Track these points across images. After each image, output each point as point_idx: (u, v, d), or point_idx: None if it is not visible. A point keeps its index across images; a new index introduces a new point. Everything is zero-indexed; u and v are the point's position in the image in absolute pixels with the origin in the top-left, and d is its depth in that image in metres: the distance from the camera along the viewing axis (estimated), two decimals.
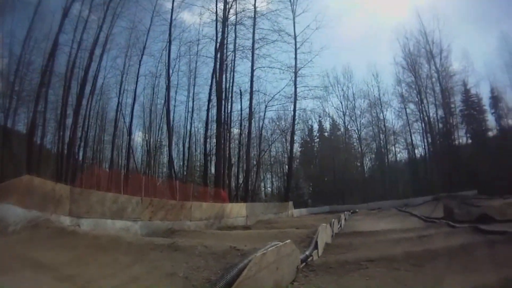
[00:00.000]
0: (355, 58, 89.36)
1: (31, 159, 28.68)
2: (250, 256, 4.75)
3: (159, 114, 46.11)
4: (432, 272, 5.99)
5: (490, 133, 51.50)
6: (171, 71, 42.07)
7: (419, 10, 53.92)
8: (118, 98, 40.56)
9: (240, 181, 42.74)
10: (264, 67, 43.86)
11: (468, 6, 66.16)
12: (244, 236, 12.63)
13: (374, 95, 59.03)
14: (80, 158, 36.11)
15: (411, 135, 55.78)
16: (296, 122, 47.63)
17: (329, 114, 61.62)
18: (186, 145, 48.62)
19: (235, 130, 44.98)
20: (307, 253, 7.37)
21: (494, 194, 29.48)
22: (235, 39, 42.01)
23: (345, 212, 28.55)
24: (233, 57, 42.32)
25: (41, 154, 31.66)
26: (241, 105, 43.91)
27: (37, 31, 32.00)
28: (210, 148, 41.00)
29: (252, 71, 41.66)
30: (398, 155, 60.10)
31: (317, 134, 64.87)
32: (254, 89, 42.32)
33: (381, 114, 58.67)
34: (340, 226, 17.62)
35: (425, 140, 53.92)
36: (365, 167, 62.15)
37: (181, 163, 48.06)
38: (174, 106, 45.67)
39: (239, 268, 4.37)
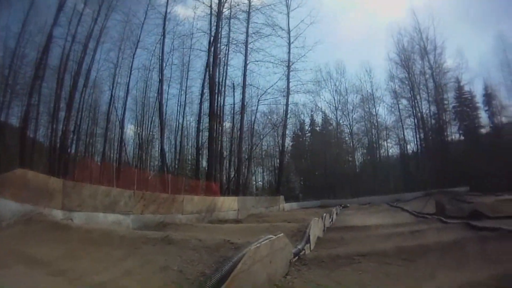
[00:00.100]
0: (349, 53, 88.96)
1: (24, 152, 28.57)
2: (244, 250, 4.80)
3: (152, 108, 45.93)
4: (423, 267, 6.05)
5: (483, 130, 51.64)
6: (164, 65, 42.02)
7: (415, 8, 54.03)
8: (111, 92, 40.41)
9: (232, 174, 42.85)
10: (257, 61, 44.01)
11: (464, 5, 66.04)
12: (236, 229, 12.65)
13: (367, 90, 59.05)
14: (73, 151, 35.90)
15: (403, 131, 55.87)
16: (288, 116, 47.77)
17: (321, 108, 61.63)
18: (178, 138, 48.48)
19: (227, 124, 45.06)
20: (299, 247, 7.42)
21: (486, 191, 29.65)
22: (229, 33, 42.05)
23: (336, 207, 28.65)
24: (227, 51, 42.39)
25: (34, 147, 31.50)
26: (233, 98, 44.04)
27: (31, 24, 31.80)
28: (202, 142, 41.08)
29: (245, 65, 41.86)
30: (390, 150, 60.29)
31: (309, 129, 64.70)
32: (247, 83, 42.37)
33: (374, 109, 58.84)
34: (332, 220, 17.68)
35: (417, 136, 54.07)
36: (357, 162, 62.17)
37: (173, 157, 47.99)
38: (167, 99, 45.56)
39: (234, 262, 4.41)
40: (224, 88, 41.83)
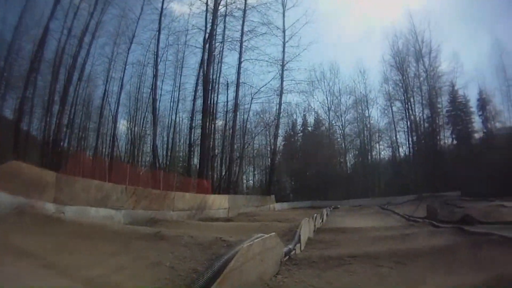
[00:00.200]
0: (343, 54, 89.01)
1: (18, 145, 28.46)
2: (237, 247, 4.79)
3: (145, 103, 45.90)
4: (415, 270, 6.06)
5: (476, 135, 51.81)
6: (159, 60, 41.99)
7: (411, 11, 54.29)
8: (105, 86, 40.37)
9: (223, 173, 42.85)
10: (251, 59, 44.14)
11: (461, 9, 66.54)
12: (227, 227, 12.72)
13: (360, 92, 59.30)
14: (66, 145, 35.78)
15: (395, 133, 56.12)
16: (280, 116, 47.80)
17: (314, 109, 61.73)
18: (170, 135, 48.56)
19: (220, 122, 45.07)
20: (290, 246, 7.40)
21: (477, 197, 29.80)
22: (224, 31, 42.05)
23: (327, 208, 28.71)
24: (221, 48, 42.31)
25: (28, 140, 31.41)
26: (227, 96, 44.07)
27: (28, 16, 31.58)
28: (194, 139, 41.09)
29: (240, 63, 41.91)
30: (382, 152, 60.42)
31: (301, 129, 64.76)
32: (240, 81, 42.45)
33: (367, 111, 59.08)
34: (322, 221, 17.68)
35: (410, 139, 54.21)
36: (348, 164, 62.28)
37: (165, 153, 47.97)
38: (160, 95, 45.52)
39: (226, 259, 4.41)
40: (218, 86, 41.88)
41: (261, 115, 53.22)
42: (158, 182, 22.77)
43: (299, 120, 64.04)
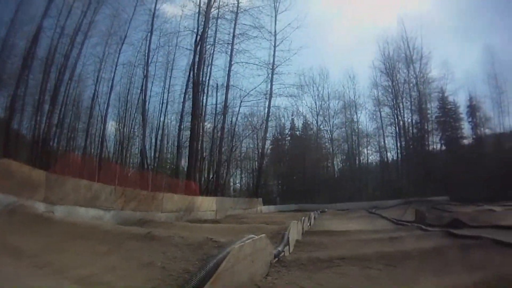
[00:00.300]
0: (333, 59, 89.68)
1: (8, 143, 28.28)
2: (228, 248, 4.84)
3: (134, 104, 45.68)
4: (404, 272, 6.13)
5: (465, 141, 52.54)
6: (149, 61, 41.95)
7: (404, 18, 54.49)
8: (95, 86, 40.06)
9: (211, 175, 42.85)
10: (242, 62, 44.28)
11: (453, 17, 67.11)
12: (216, 229, 12.66)
13: (349, 97, 59.74)
14: (55, 144, 35.59)
15: (384, 138, 56.63)
16: (269, 119, 48.17)
17: (302, 113, 62.22)
18: (159, 136, 48.32)
19: (208, 124, 45.04)
20: (279, 248, 7.44)
21: (465, 202, 30.08)
22: (215, 33, 42.30)
23: (315, 211, 28.81)
24: (212, 51, 42.45)
25: (18, 138, 31.19)
26: (216, 99, 44.24)
27: (21, 13, 31.38)
28: (182, 141, 41.03)
29: (230, 65, 42.16)
30: (370, 157, 61.02)
31: (289, 133, 65.13)
32: (230, 84, 42.71)
33: (355, 116, 59.58)
34: (310, 224, 17.76)
35: (398, 144, 54.79)
36: (336, 168, 62.86)
37: (153, 154, 47.83)
38: (150, 96, 45.32)
39: (218, 260, 4.45)
40: (207, 88, 42.07)
41: (250, 118, 53.27)
42: (146, 183, 22.77)
43: (287, 124, 64.47)
